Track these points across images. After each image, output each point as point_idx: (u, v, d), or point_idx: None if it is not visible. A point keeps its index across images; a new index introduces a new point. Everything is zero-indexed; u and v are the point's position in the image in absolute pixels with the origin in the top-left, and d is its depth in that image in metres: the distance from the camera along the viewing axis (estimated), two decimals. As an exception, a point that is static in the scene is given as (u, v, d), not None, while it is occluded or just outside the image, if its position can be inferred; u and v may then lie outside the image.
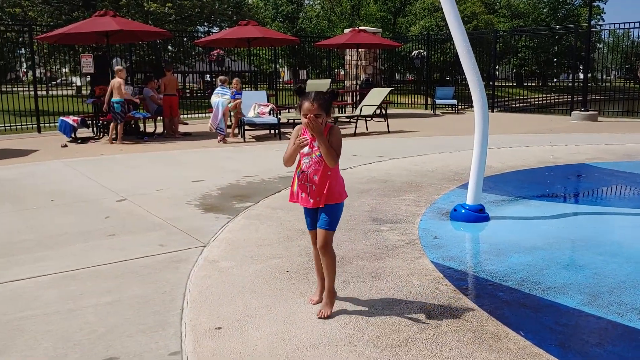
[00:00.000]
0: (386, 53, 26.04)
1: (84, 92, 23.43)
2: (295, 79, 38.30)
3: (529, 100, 31.91)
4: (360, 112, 12.76)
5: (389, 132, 12.73)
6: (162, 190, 6.46)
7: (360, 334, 2.84)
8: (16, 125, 14.16)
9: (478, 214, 5.09)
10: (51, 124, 13.90)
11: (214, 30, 29.43)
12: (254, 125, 12.17)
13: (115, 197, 6.16)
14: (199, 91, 31.06)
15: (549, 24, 43.24)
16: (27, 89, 16.68)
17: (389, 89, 14.30)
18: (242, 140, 11.55)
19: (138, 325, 2.98)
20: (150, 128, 13.07)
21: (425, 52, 22.16)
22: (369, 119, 13.69)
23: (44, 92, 20.60)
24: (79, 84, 31.70)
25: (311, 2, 47.13)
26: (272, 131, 12.41)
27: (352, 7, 42.34)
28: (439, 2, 5.25)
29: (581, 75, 23.57)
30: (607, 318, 3.05)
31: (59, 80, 31.88)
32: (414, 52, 23.35)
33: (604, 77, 35.15)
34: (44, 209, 5.67)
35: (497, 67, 28.58)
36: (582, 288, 3.47)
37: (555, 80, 47.70)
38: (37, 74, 18.20)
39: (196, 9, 26.96)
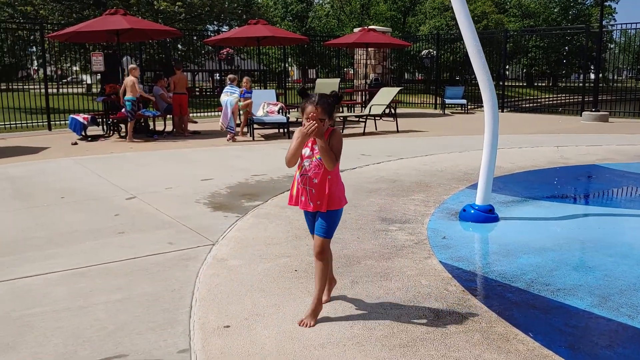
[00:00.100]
0: (395, 52, 25.95)
1: (94, 90, 23.56)
2: (304, 78, 38.28)
3: (539, 100, 31.76)
4: (370, 111, 12.75)
5: (398, 131, 12.71)
6: (171, 189, 6.49)
7: (369, 333, 2.83)
8: (27, 123, 14.27)
9: (487, 215, 5.07)
10: (62, 122, 14.00)
11: (223, 29, 29.51)
12: (263, 124, 12.18)
13: (125, 195, 6.20)
14: (209, 90, 31.13)
15: (559, 23, 42.94)
16: (38, 86, 16.80)
17: (398, 89, 14.28)
18: (251, 139, 11.58)
19: (147, 322, 3.00)
20: (159, 126, 13.13)
21: (434, 52, 22.10)
22: (378, 118, 13.66)
23: (55, 90, 20.71)
24: (89, 82, 31.87)
25: (321, 1, 47.08)
26: (281, 130, 12.42)
27: (362, 6, 42.24)
28: (449, 1, 5.23)
29: (592, 76, 23.38)
30: (618, 320, 3.03)
31: (69, 78, 32.05)
32: (424, 52, 23.27)
33: (615, 77, 34.87)
34: (54, 207, 5.71)
35: (507, 67, 28.43)
36: (592, 290, 3.45)
37: (565, 80, 47.40)
38: (48, 72, 18.33)
39: (206, 7, 27.07)
